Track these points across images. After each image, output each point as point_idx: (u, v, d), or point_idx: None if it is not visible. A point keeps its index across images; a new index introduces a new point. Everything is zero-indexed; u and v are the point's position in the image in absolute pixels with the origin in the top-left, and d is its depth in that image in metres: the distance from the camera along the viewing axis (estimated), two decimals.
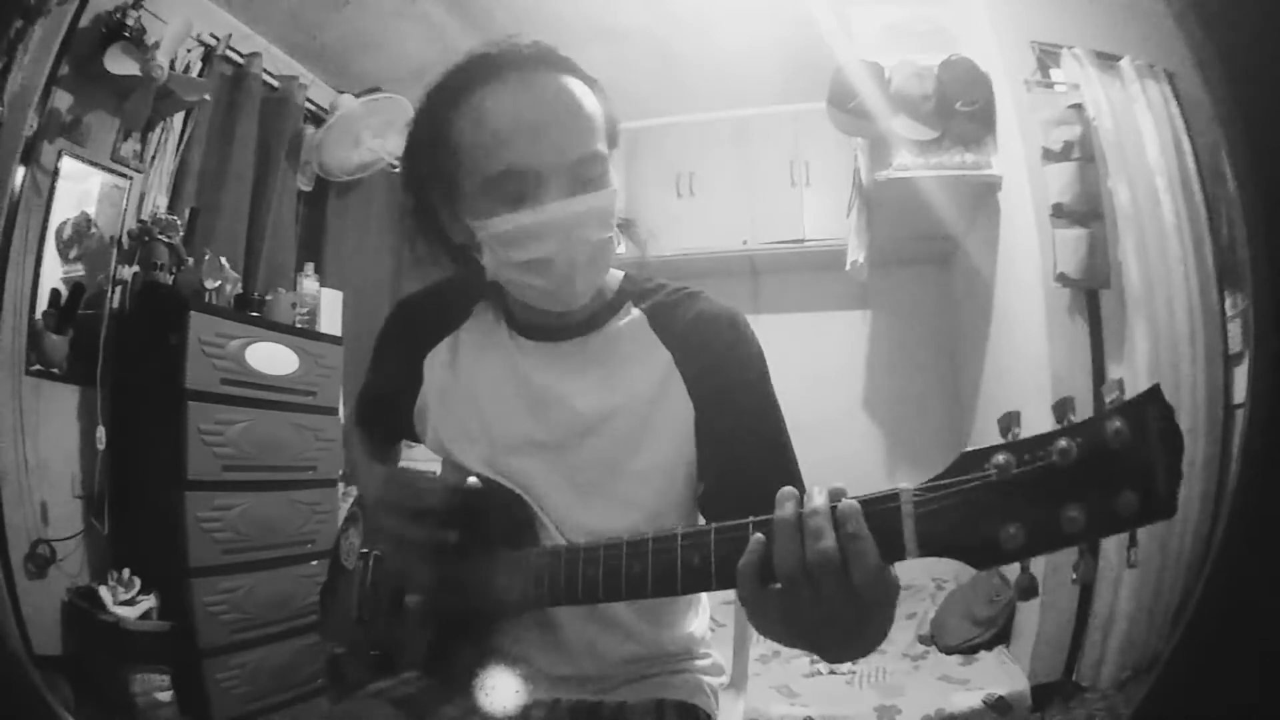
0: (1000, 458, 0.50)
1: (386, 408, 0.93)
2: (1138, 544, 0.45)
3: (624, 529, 0.76)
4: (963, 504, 0.50)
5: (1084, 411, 1.98)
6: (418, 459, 0.95)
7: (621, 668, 0.80)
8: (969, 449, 0.51)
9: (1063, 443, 0.48)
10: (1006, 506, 0.49)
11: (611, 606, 0.78)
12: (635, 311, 0.83)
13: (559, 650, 0.79)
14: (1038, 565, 1.75)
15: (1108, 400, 0.49)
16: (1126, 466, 0.47)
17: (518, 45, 0.76)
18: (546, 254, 0.73)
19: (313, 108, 2.71)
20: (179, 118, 2.25)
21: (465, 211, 0.77)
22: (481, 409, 0.83)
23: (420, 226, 0.83)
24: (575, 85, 0.76)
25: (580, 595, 0.66)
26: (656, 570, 0.61)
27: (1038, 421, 2.07)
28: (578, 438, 0.79)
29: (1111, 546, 1.51)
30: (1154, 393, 0.48)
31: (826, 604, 0.54)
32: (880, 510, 0.53)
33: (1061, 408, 0.50)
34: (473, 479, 0.80)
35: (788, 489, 0.57)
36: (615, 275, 0.86)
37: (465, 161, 0.75)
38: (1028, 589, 0.50)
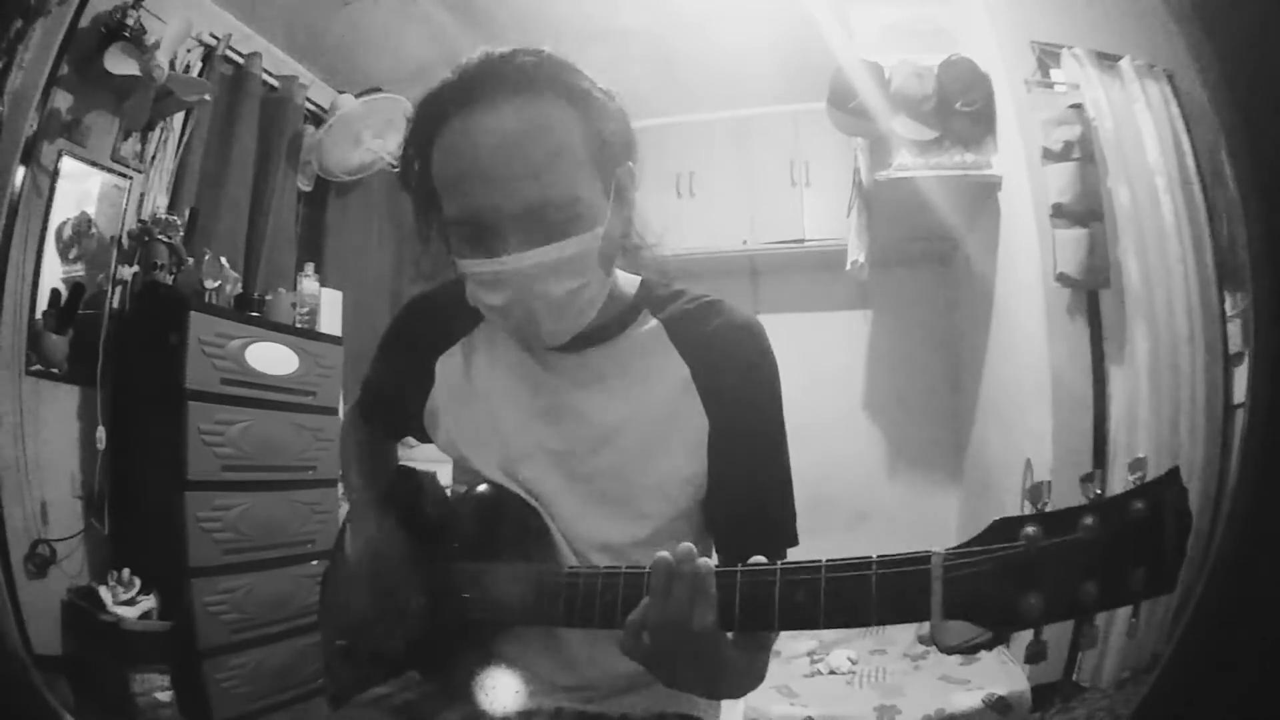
0: (1031, 529, 0.51)
1: (393, 404, 0.92)
2: (1139, 615, 0.45)
3: (634, 539, 0.76)
4: (990, 571, 0.51)
5: (1082, 422, 1.98)
6: (416, 459, 0.95)
7: (624, 678, 0.80)
8: (1002, 517, 0.52)
9: (1089, 519, 0.50)
10: (1030, 576, 0.50)
11: None
12: (653, 321, 0.82)
13: (562, 659, 0.79)
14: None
15: (1132, 479, 0.50)
16: (1142, 545, 0.49)
17: (497, 63, 0.72)
18: (504, 303, 0.72)
19: (313, 108, 2.70)
20: (179, 118, 2.24)
21: (440, 237, 0.77)
22: (495, 415, 0.82)
23: (418, 231, 0.82)
24: (549, 116, 0.70)
25: (597, 621, 0.67)
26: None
27: (1037, 424, 2.07)
28: (590, 447, 0.79)
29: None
30: (1173, 475, 0.50)
31: (679, 656, 0.61)
32: (908, 572, 0.53)
33: (1089, 480, 0.51)
34: (483, 486, 0.79)
35: (661, 556, 0.61)
36: (631, 281, 0.85)
37: (440, 192, 0.74)
38: (1038, 654, 0.51)
